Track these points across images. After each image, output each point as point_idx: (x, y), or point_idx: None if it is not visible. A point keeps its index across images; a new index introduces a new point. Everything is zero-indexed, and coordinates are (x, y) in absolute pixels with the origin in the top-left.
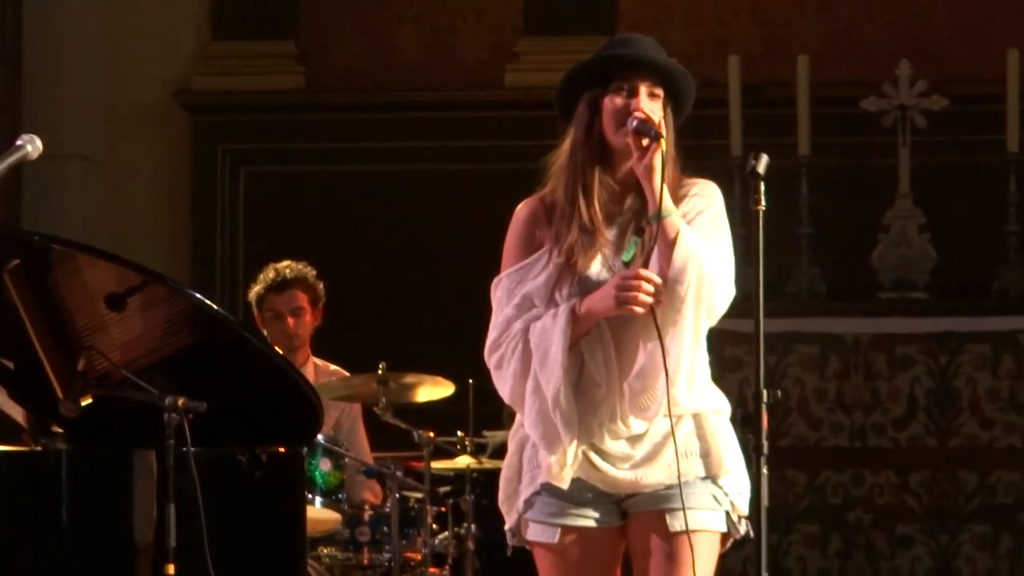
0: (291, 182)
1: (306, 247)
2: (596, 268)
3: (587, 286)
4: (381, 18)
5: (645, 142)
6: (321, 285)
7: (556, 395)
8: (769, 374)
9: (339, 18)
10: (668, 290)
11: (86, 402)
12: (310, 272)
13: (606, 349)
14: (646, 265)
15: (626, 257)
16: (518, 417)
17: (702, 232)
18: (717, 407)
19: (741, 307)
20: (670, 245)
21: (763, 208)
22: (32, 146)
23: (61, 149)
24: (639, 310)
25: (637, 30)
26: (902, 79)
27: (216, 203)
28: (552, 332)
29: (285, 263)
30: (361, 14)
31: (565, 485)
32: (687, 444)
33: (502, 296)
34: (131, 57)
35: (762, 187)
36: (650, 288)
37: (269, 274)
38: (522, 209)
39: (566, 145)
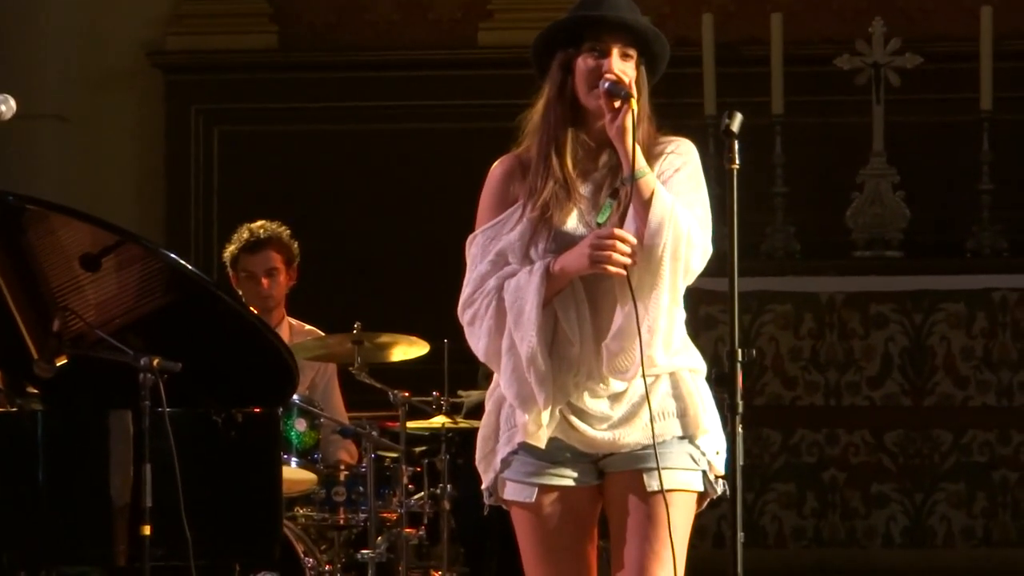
0: (265, 141)
1: (280, 207)
2: (572, 223)
3: (562, 241)
4: None
5: (617, 104)
6: (296, 245)
7: (531, 354)
8: (744, 333)
9: None
10: (644, 250)
11: (61, 362)
12: (284, 232)
13: (579, 307)
14: (621, 226)
15: (600, 219)
16: (495, 376)
17: (678, 190)
18: (694, 366)
19: (716, 266)
20: (645, 205)
21: (737, 167)
22: (6, 106)
23: (35, 109)
24: (613, 270)
25: None
26: (875, 37)
27: (190, 163)
28: (526, 290)
29: (259, 223)
30: None
31: (542, 444)
32: (664, 404)
33: (476, 252)
34: (104, 16)
35: (736, 146)
36: (625, 248)
37: (243, 234)
38: (497, 167)
39: (540, 104)
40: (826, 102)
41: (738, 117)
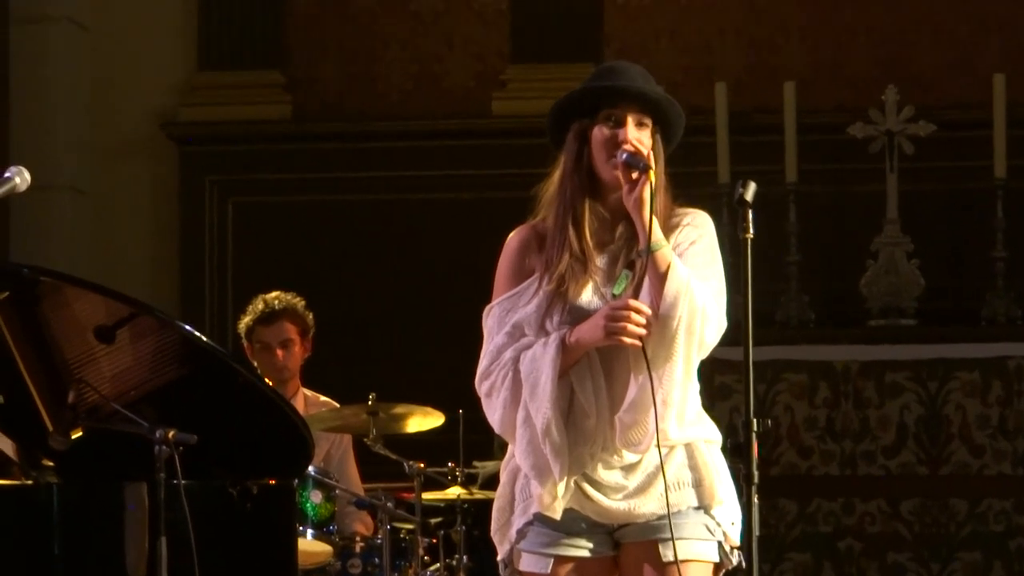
0: (279, 212)
1: (295, 277)
2: (587, 296)
3: (578, 314)
4: (367, 47)
5: (635, 175)
6: (310, 316)
7: (546, 426)
8: (759, 402)
9: (325, 47)
10: (659, 323)
11: (76, 435)
12: (299, 303)
13: (596, 379)
14: (636, 297)
15: (616, 290)
16: (510, 447)
17: (694, 263)
18: (709, 437)
19: (730, 335)
20: (661, 278)
21: (751, 236)
22: (21, 178)
23: (49, 181)
24: (629, 341)
25: (624, 57)
26: (889, 105)
27: (204, 234)
28: (542, 362)
29: (274, 294)
30: (347, 43)
31: (557, 516)
32: (679, 474)
33: (493, 324)
34: (118, 88)
35: (750, 215)
36: (640, 320)
37: (258, 305)
38: (514, 237)
39: (556, 174)
40: (840, 170)
41: (752, 186)
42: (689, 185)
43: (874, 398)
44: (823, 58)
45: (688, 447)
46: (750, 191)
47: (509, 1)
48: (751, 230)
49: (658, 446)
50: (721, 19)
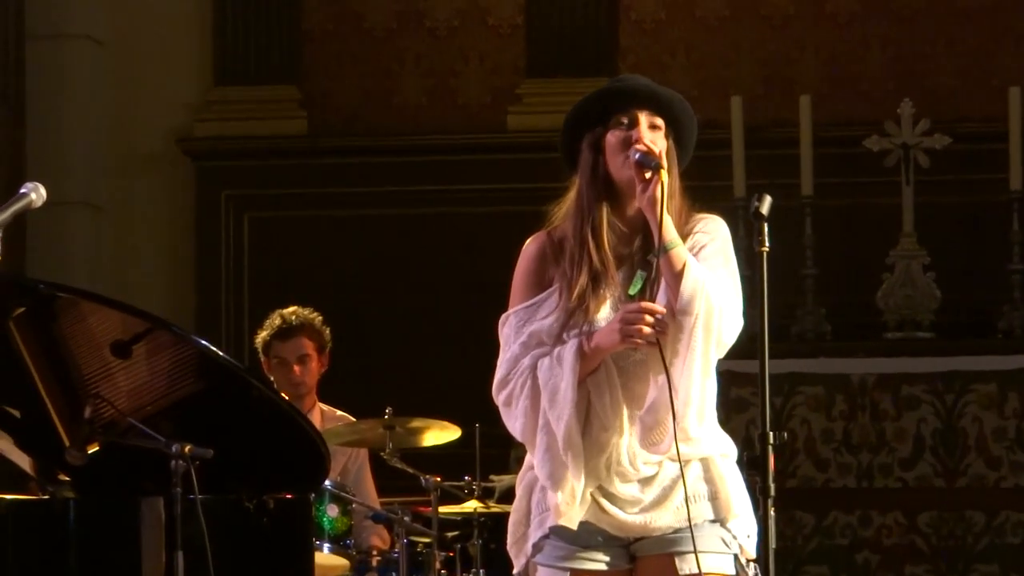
0: (295, 227)
1: (311, 292)
2: (606, 312)
3: (597, 330)
4: (382, 62)
5: (648, 174)
6: (327, 331)
7: (567, 433)
8: (775, 415)
9: (341, 63)
10: (676, 322)
11: (93, 450)
12: (316, 318)
13: (613, 391)
14: (653, 299)
15: (632, 291)
16: (526, 460)
17: (707, 264)
18: (724, 450)
19: (746, 348)
20: (676, 277)
21: (767, 249)
22: (36, 194)
23: (65, 196)
24: (644, 343)
25: (639, 71)
26: (904, 118)
27: (220, 249)
28: (561, 368)
29: (291, 309)
30: (362, 58)
31: (574, 525)
32: (695, 488)
33: (509, 333)
34: (134, 103)
35: (766, 228)
36: (652, 320)
37: (275, 321)
38: (530, 245)
39: (572, 192)
40: (855, 183)
41: (767, 199)
42: (705, 199)
43: (891, 410)
44: (839, 72)
45: (703, 461)
46: (766, 204)
47: (524, 15)
48: (767, 243)
49: (677, 451)
50: (736, 33)
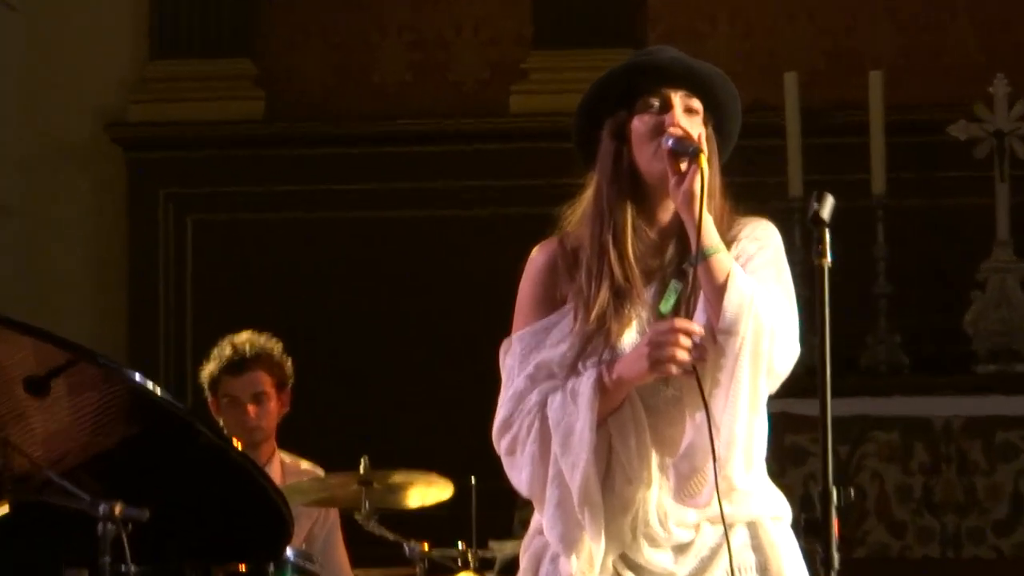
0: (249, 232)
1: (269, 315)
2: (632, 337)
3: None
4: (357, 30)
5: (683, 164)
6: (289, 363)
7: (584, 485)
8: (840, 468)
9: (306, 31)
10: (718, 345)
11: (2, 511)
12: (275, 347)
13: (639, 434)
14: (690, 317)
15: (664, 307)
16: (533, 522)
17: (756, 277)
18: (776, 511)
19: (805, 384)
20: (718, 289)
21: (829, 262)
22: None
23: None
24: (677, 370)
25: (671, 42)
26: (998, 99)
27: (158, 260)
28: (575, 406)
29: (244, 336)
30: (333, 25)
31: None
32: (741, 557)
33: (513, 363)
34: (52, 81)
35: (827, 235)
36: (688, 343)
37: (225, 350)
38: (538, 255)
39: (589, 190)
40: (938, 180)
41: (829, 200)
42: (753, 198)
43: (982, 462)
44: (916, 42)
45: (751, 524)
46: (827, 207)
47: None
48: (829, 255)
49: (719, 506)
50: None
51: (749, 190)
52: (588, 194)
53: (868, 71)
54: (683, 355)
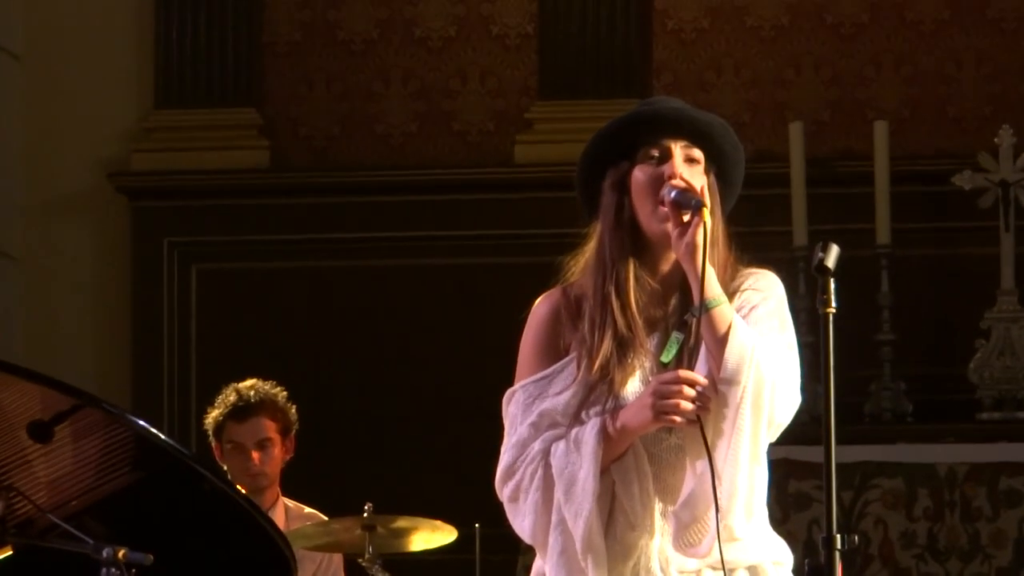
0: (254, 282)
1: (273, 363)
2: (635, 386)
3: (623, 408)
4: (362, 80)
5: (685, 216)
6: (293, 410)
7: (587, 532)
8: (844, 514)
9: (311, 80)
10: (719, 396)
11: (5, 555)
12: (279, 394)
13: (643, 481)
14: (692, 368)
15: (665, 358)
16: (535, 568)
17: (758, 329)
18: (777, 557)
19: (809, 431)
20: (720, 341)
21: (834, 310)
22: None
23: None
24: (681, 421)
25: (676, 92)
26: (1003, 149)
27: (162, 308)
28: (579, 455)
29: (249, 383)
30: (338, 75)
31: None
32: None
33: (516, 412)
34: (56, 129)
35: (832, 285)
36: (693, 393)
37: (230, 397)
38: (541, 305)
39: (593, 241)
40: (943, 230)
41: (834, 249)
42: (758, 248)
43: (986, 508)
44: (922, 93)
45: (751, 569)
46: (832, 256)
47: (536, 24)
48: (834, 303)
49: (720, 556)
50: (797, 46)
51: (754, 239)
52: (591, 244)
53: (873, 121)
54: (687, 406)
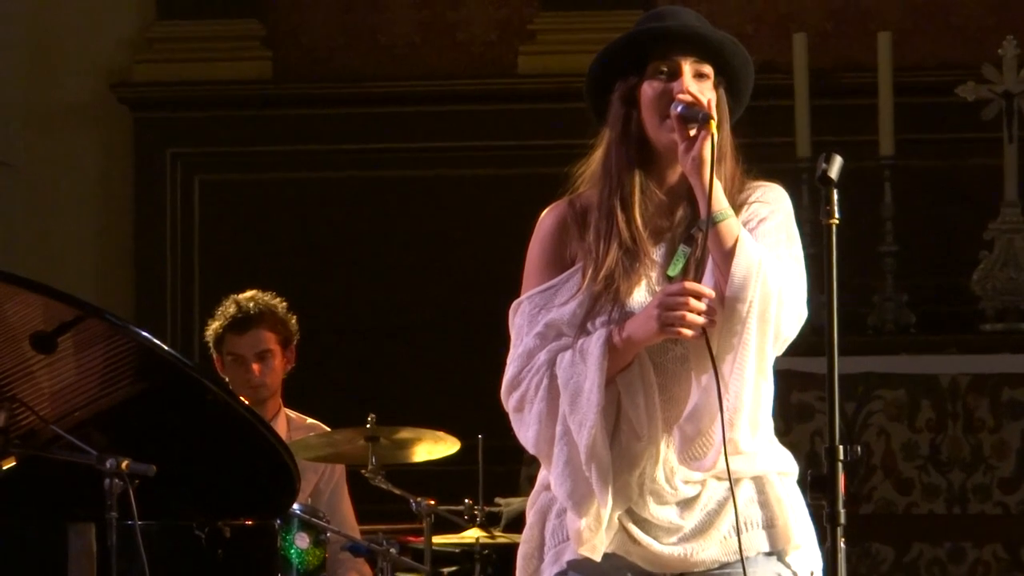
0: (256, 193)
1: (274, 273)
2: (640, 296)
3: (629, 318)
4: None
5: (692, 131)
6: (294, 321)
7: (591, 443)
8: (847, 425)
9: None
10: (726, 309)
11: (8, 465)
12: (280, 305)
13: (648, 392)
14: (699, 280)
15: (672, 271)
16: (540, 478)
17: (765, 242)
18: (782, 468)
19: (812, 343)
20: (727, 255)
21: (837, 221)
22: None
23: None
24: (688, 333)
25: (681, 2)
26: (1007, 60)
27: (165, 220)
28: (584, 365)
29: (249, 294)
30: None
31: (598, 557)
32: (747, 513)
33: (522, 323)
34: (58, 40)
35: (835, 195)
36: (700, 306)
37: (230, 309)
38: (548, 216)
39: (599, 151)
40: (946, 141)
41: (837, 161)
42: (761, 159)
43: (988, 419)
44: (925, 4)
45: (757, 480)
46: (835, 167)
47: None
48: (837, 214)
49: (727, 465)
50: None
51: (758, 151)
52: (598, 154)
53: (876, 32)
54: (694, 318)
